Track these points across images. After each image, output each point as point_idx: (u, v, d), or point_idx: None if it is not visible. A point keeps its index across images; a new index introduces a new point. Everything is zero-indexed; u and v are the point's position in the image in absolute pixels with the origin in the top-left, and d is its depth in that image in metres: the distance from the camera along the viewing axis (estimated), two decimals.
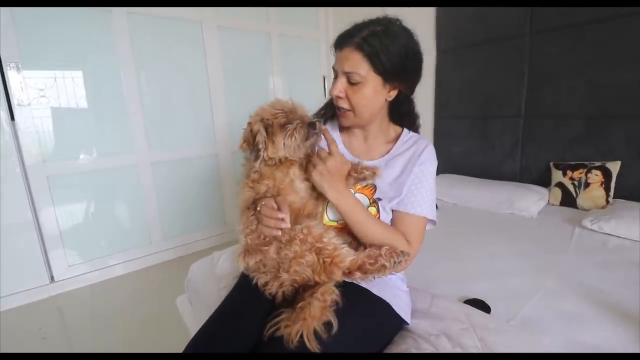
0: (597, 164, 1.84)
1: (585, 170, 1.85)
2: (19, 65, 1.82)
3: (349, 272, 0.77)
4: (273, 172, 0.81)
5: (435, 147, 0.96)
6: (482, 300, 1.05)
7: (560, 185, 1.93)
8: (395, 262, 0.76)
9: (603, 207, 1.76)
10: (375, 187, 0.89)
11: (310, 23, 3.03)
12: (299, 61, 3.01)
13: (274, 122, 0.79)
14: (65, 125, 2.01)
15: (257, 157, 0.79)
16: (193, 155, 2.50)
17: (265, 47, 2.77)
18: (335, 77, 0.87)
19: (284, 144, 0.78)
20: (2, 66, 1.77)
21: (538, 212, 1.84)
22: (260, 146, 0.78)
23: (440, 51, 2.51)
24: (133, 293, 2.05)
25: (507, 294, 1.11)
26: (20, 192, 1.87)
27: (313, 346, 0.64)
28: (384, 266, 0.75)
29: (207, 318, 0.82)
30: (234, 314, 0.81)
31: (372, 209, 0.88)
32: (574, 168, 1.90)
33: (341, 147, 0.96)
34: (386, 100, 0.87)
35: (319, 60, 3.14)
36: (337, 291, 0.72)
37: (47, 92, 1.93)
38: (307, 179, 0.83)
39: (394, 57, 0.79)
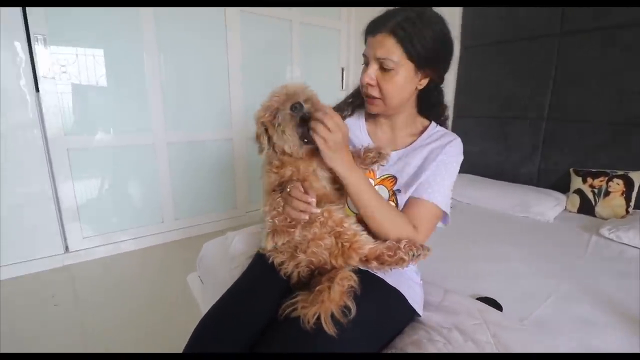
0: (620, 172, 1.79)
1: (606, 178, 1.81)
2: (46, 39, 1.84)
3: (365, 260, 0.77)
4: (295, 161, 0.79)
5: None
6: (494, 299, 1.05)
7: (579, 191, 1.89)
8: (414, 255, 0.75)
9: (622, 217, 1.72)
10: (395, 178, 0.88)
11: (333, 13, 2.99)
12: (319, 51, 2.98)
13: (265, 122, 0.76)
14: (85, 102, 2.03)
15: (260, 151, 0.80)
16: (208, 138, 2.52)
17: (286, 34, 2.75)
18: (365, 64, 0.85)
19: (284, 141, 0.75)
20: (30, 38, 1.80)
21: (554, 218, 1.81)
22: (262, 142, 0.78)
23: (464, 47, 2.46)
24: (144, 269, 2.09)
25: (519, 295, 1.10)
26: (41, 162, 1.91)
27: (330, 328, 0.64)
28: (402, 259, 0.75)
29: (218, 296, 0.83)
30: (249, 291, 0.82)
31: (391, 204, 0.87)
32: (594, 175, 1.86)
33: (365, 137, 0.95)
34: (416, 88, 0.86)
35: (338, 52, 3.11)
36: (355, 277, 0.72)
37: (68, 68, 1.95)
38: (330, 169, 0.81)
39: (428, 43, 0.78)
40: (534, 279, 1.21)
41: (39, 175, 1.91)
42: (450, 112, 2.52)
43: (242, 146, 2.67)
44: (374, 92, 0.84)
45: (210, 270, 1.27)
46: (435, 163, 0.86)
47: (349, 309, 0.68)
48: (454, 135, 0.92)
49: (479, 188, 2.13)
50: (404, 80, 0.81)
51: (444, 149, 0.87)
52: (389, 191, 0.88)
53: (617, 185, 1.77)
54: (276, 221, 0.73)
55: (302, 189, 0.75)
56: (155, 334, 1.49)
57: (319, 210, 0.73)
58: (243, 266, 1.03)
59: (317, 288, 0.69)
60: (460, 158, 0.90)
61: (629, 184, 1.75)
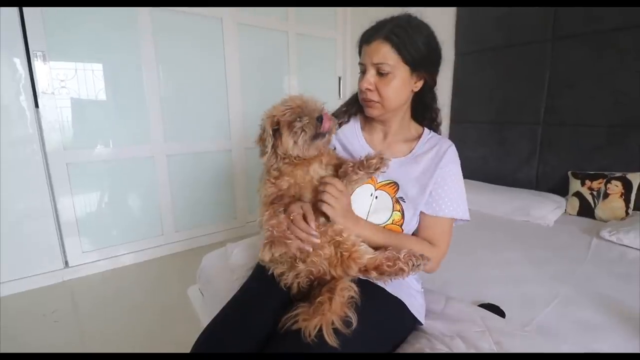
0: (618, 174, 1.80)
1: (604, 180, 1.81)
2: (45, 55, 1.86)
3: (365, 270, 0.77)
4: (293, 170, 0.81)
5: None
6: (496, 306, 1.04)
7: (578, 194, 1.89)
8: (413, 266, 0.75)
9: (622, 219, 1.72)
10: (397, 184, 0.89)
11: (328, 23, 3.04)
12: (315, 61, 3.02)
13: (281, 121, 0.79)
14: (84, 116, 2.05)
15: (263, 154, 0.81)
16: (208, 149, 2.53)
17: (283, 45, 2.78)
18: (362, 72, 0.89)
19: (294, 142, 0.77)
20: (29, 55, 1.82)
21: (554, 221, 1.81)
22: (267, 143, 0.79)
23: (460, 54, 2.48)
24: (144, 282, 2.08)
25: (522, 301, 1.09)
26: (40, 177, 1.91)
27: (331, 340, 0.64)
28: (402, 269, 0.75)
29: (218, 308, 0.83)
30: (249, 303, 0.81)
31: (397, 214, 0.88)
32: (593, 178, 1.86)
33: (363, 144, 0.96)
34: (412, 90, 0.90)
35: (334, 61, 3.14)
36: (355, 288, 0.72)
37: (67, 82, 1.97)
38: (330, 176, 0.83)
39: (420, 47, 0.83)
40: (536, 284, 1.20)
41: (38, 191, 1.92)
42: (447, 118, 2.57)
43: (242, 157, 2.68)
44: (373, 97, 0.88)
45: (210, 283, 1.26)
46: (435, 178, 0.89)
47: (351, 320, 0.67)
48: (448, 142, 0.94)
49: (478, 193, 2.13)
50: (401, 83, 0.85)
51: (442, 161, 0.90)
52: (392, 198, 0.88)
53: (615, 187, 1.77)
54: (274, 232, 0.73)
55: (304, 214, 0.75)
56: (156, 348, 1.48)
57: (319, 241, 0.74)
58: (243, 278, 1.02)
59: (318, 299, 0.68)
60: (458, 162, 0.94)
61: (627, 185, 1.75)
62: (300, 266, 0.75)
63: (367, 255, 0.76)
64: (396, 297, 0.81)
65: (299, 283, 0.77)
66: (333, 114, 1.01)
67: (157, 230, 2.39)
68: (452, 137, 2.57)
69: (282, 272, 0.79)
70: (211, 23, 2.39)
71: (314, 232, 0.74)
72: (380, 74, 0.84)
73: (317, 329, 0.64)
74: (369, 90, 0.87)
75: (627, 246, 1.47)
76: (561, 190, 2.03)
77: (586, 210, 1.85)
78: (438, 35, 0.88)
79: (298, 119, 0.77)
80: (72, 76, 1.99)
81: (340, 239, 0.75)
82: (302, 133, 0.76)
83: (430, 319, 0.90)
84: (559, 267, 1.32)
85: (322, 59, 3.08)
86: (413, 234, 0.94)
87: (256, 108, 0.83)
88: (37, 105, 1.88)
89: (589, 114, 1.93)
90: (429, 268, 0.88)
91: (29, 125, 1.86)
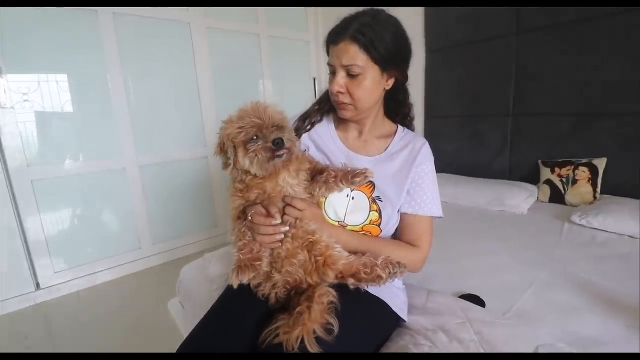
0: (584, 160, 1.87)
1: (572, 167, 1.88)
2: (1, 69, 1.77)
3: (342, 277, 0.74)
4: (261, 183, 0.78)
5: None
6: (476, 296, 1.06)
7: (548, 182, 1.96)
8: (391, 273, 0.73)
9: (591, 203, 1.79)
10: (373, 184, 0.88)
11: (300, 25, 3.03)
12: (289, 63, 3.00)
13: (236, 141, 0.75)
14: (50, 130, 1.96)
15: (226, 166, 0.79)
16: (183, 158, 2.47)
17: (255, 49, 2.76)
18: (332, 73, 0.86)
19: (250, 162, 0.75)
20: None
21: (528, 209, 1.87)
22: (229, 155, 0.77)
23: (430, 51, 2.53)
24: (123, 299, 2.00)
25: (500, 289, 1.12)
26: (4, 197, 1.81)
27: (314, 349, 0.63)
28: (379, 277, 0.72)
29: (199, 320, 0.80)
30: (227, 316, 0.78)
31: (374, 214, 0.87)
32: (561, 165, 1.93)
33: (340, 145, 0.95)
34: (384, 89, 0.88)
35: (308, 62, 3.14)
36: (333, 292, 0.70)
37: (30, 96, 1.88)
38: (300, 184, 0.81)
39: (388, 44, 0.80)
40: (514, 271, 1.23)
41: (2, 211, 1.81)
42: (421, 114, 2.61)
43: (219, 163, 2.61)
44: (345, 99, 0.85)
45: (190, 295, 1.22)
46: (411, 177, 0.89)
47: (332, 326, 0.66)
48: (422, 140, 0.95)
49: (454, 186, 2.17)
50: (372, 84, 0.83)
51: (417, 159, 0.90)
52: (368, 198, 0.88)
53: (583, 173, 1.85)
54: (241, 255, 0.71)
55: (264, 211, 0.74)
56: None
57: (287, 228, 0.73)
58: (222, 288, 0.99)
59: (297, 310, 0.67)
60: (432, 159, 0.94)
61: (593, 171, 1.83)
62: (277, 277, 0.74)
63: (342, 260, 0.74)
64: (378, 297, 0.81)
65: (276, 294, 0.75)
66: (306, 113, 1.00)
67: (134, 244, 2.31)
68: (427, 132, 2.62)
69: (259, 283, 0.76)
70: (179, 28, 2.34)
71: (277, 221, 0.72)
72: (350, 75, 0.82)
73: (299, 341, 0.63)
74: (341, 93, 0.84)
75: (596, 229, 1.54)
76: (533, 178, 2.10)
77: (557, 196, 1.92)
78: (408, 33, 0.86)
79: (253, 140, 0.74)
80: (35, 89, 1.90)
81: (313, 238, 0.73)
82: (256, 157, 0.73)
83: (413, 314, 0.91)
84: (535, 253, 1.36)
85: (295, 60, 3.07)
86: (394, 236, 0.93)
87: (231, 112, 0.80)
88: None
89: (556, 104, 2.01)
90: (415, 269, 0.88)
91: None
